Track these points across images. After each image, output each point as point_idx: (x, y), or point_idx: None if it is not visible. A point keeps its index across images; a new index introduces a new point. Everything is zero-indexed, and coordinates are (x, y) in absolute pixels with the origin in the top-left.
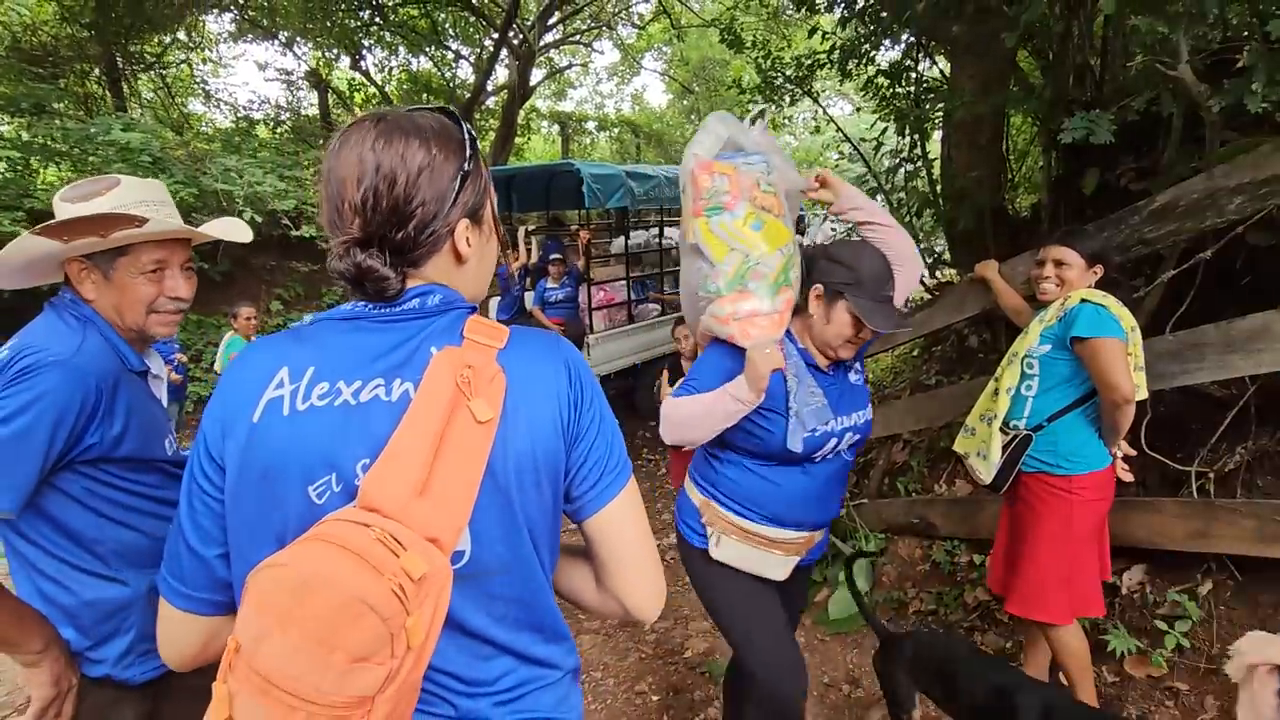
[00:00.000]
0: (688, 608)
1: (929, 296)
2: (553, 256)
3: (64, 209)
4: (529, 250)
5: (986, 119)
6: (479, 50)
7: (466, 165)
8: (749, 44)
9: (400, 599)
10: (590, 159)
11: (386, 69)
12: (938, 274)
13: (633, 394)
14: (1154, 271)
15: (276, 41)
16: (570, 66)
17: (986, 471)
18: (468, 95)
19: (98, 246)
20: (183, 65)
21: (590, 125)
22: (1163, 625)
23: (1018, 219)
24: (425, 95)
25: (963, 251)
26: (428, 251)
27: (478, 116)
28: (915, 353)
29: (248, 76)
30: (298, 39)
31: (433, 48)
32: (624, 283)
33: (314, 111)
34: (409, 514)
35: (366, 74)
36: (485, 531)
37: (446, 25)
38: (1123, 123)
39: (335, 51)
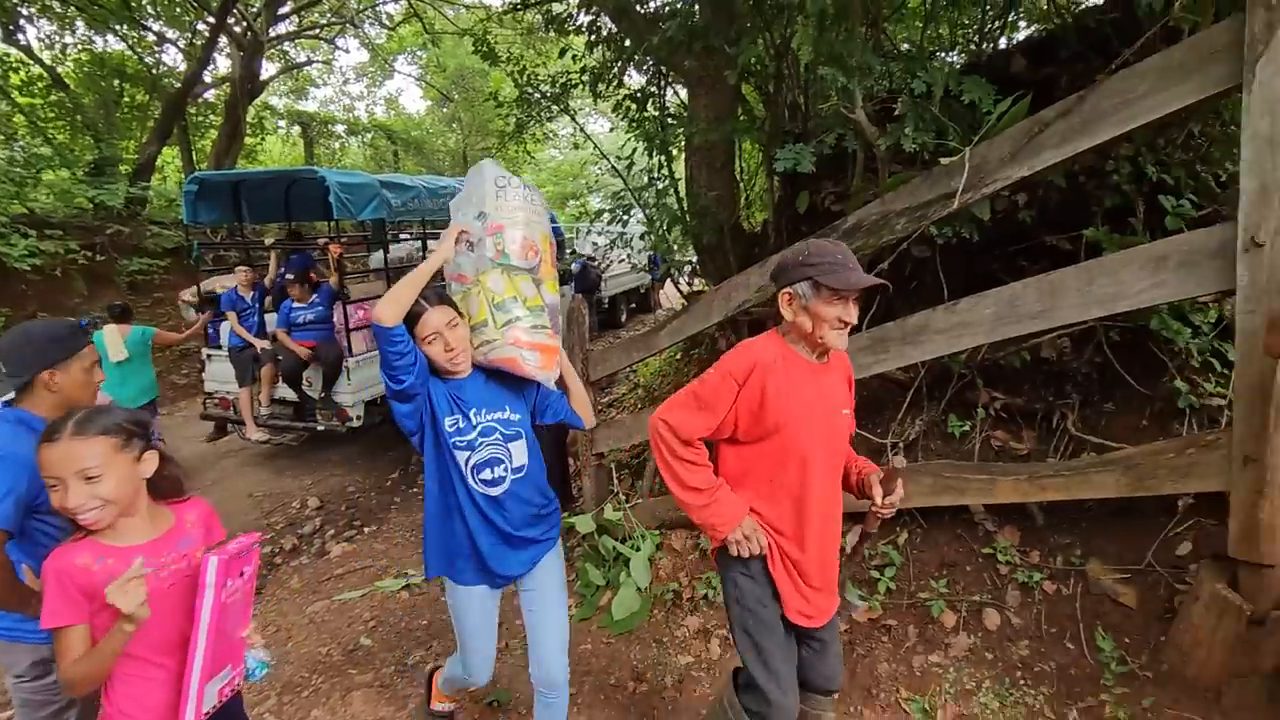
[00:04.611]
0: None
1: (684, 304)
2: (288, 275)
3: None
4: (267, 266)
5: (720, 145)
6: (190, 35)
7: None
8: (504, 57)
9: None
10: (341, 165)
11: (58, 45)
12: (691, 284)
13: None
14: None
15: None
16: (310, 63)
17: None
18: (177, 85)
19: None
20: None
21: (339, 129)
22: (876, 574)
23: (752, 234)
24: (117, 81)
25: (709, 263)
26: None
27: (194, 111)
28: (678, 356)
29: None
30: None
31: (124, 26)
32: None
33: None
34: None
35: (28, 50)
36: None
37: (143, 2)
38: (821, 154)
39: None
